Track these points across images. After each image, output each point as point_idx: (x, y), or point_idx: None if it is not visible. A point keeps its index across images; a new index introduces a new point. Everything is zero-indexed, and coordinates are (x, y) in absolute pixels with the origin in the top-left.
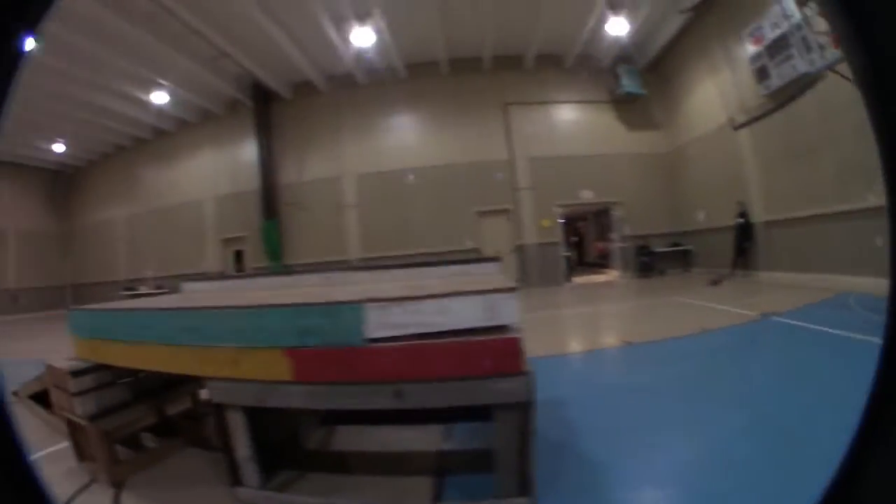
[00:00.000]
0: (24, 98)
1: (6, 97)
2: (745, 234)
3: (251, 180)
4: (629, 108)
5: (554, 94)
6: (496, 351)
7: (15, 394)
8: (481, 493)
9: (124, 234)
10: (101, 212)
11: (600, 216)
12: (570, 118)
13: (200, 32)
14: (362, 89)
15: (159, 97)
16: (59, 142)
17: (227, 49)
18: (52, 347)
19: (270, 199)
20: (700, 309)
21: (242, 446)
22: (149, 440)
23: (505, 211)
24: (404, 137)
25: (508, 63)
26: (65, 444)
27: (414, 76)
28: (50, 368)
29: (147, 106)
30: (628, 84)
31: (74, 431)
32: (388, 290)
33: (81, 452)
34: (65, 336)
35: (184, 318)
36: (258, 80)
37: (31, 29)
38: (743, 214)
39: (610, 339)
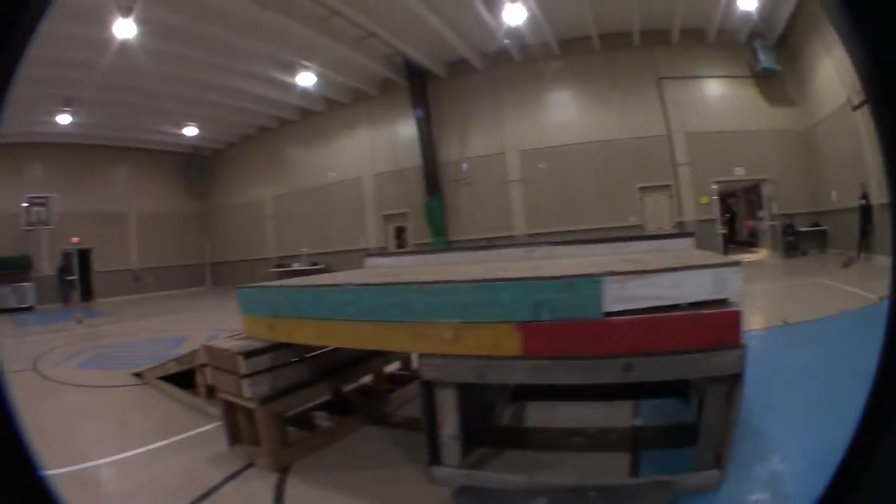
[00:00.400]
0: (157, 89)
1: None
2: (866, 216)
3: (411, 157)
4: (769, 84)
5: (702, 69)
6: (719, 324)
7: (138, 375)
8: (675, 467)
9: (273, 212)
10: (244, 193)
11: (749, 193)
12: (718, 93)
13: (342, 14)
14: (518, 66)
15: (305, 79)
16: (192, 126)
17: (372, 29)
18: (194, 324)
19: (433, 176)
20: (837, 291)
21: (449, 424)
22: (321, 420)
23: (666, 187)
24: (564, 113)
25: (657, 38)
26: (206, 428)
27: (566, 52)
28: (209, 350)
29: (292, 88)
30: (764, 59)
31: (232, 414)
32: (604, 263)
33: (236, 435)
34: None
35: (394, 293)
36: (410, 59)
37: (34, 22)
38: (864, 196)
39: (770, 318)
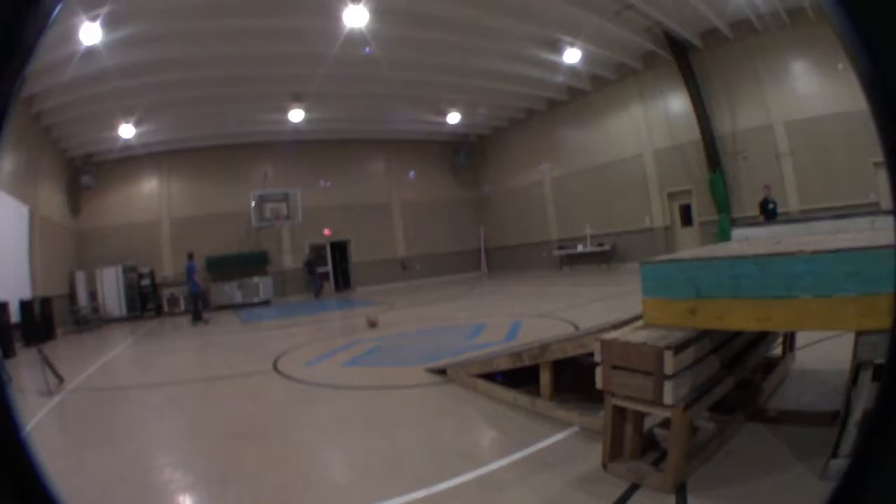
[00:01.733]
0: (411, 77)
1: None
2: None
3: (686, 132)
4: None
5: None
6: None
7: (440, 371)
8: None
9: (553, 194)
10: (518, 176)
11: None
12: None
13: None
14: (764, 36)
15: (571, 55)
16: (455, 112)
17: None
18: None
19: (713, 151)
20: None
21: (858, 409)
22: (701, 421)
23: None
24: (814, 83)
25: None
26: (555, 438)
27: (794, 22)
28: (609, 345)
29: (558, 67)
30: None
31: (620, 423)
32: None
33: (616, 450)
34: (488, 298)
35: (847, 261)
36: (668, 30)
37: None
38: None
39: None
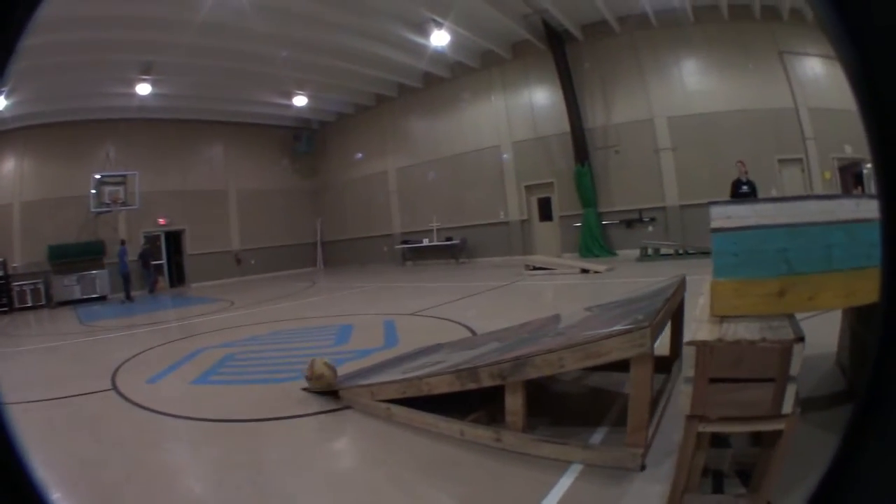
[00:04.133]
0: (260, 52)
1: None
2: None
3: (553, 124)
4: None
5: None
6: None
7: (335, 393)
8: None
9: (397, 186)
10: (361, 167)
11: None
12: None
13: None
14: (656, 32)
15: (439, 38)
16: (301, 95)
17: None
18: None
19: (581, 143)
20: None
21: None
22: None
23: (798, 160)
24: (703, 81)
25: (774, 12)
26: (562, 489)
27: (699, 21)
28: (707, 348)
29: (422, 50)
30: None
31: (697, 451)
32: None
33: (691, 482)
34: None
35: None
36: (548, 19)
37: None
38: None
39: None
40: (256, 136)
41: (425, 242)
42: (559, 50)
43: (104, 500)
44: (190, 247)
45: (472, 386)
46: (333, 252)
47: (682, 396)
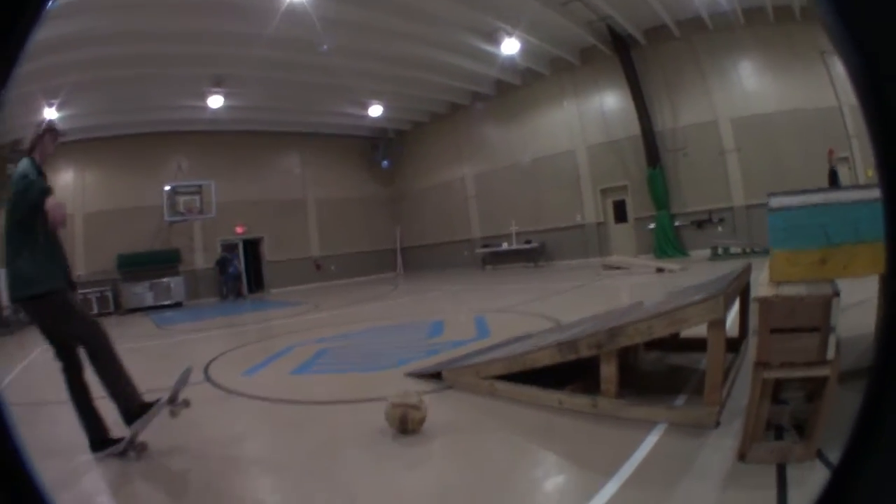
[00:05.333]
0: (334, 65)
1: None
2: None
3: (624, 128)
4: None
5: None
6: None
7: (436, 375)
8: None
9: (475, 192)
10: (438, 174)
11: None
12: None
13: None
14: (712, 34)
15: (510, 46)
16: (377, 105)
17: None
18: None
19: (651, 146)
20: None
21: None
22: None
23: (845, 159)
24: (759, 82)
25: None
26: (647, 445)
27: (749, 22)
28: (767, 304)
29: (493, 58)
30: None
31: (765, 401)
32: None
33: (756, 432)
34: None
35: None
36: (612, 25)
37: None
38: None
39: None
40: (334, 147)
41: (504, 247)
42: (625, 54)
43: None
44: (269, 254)
45: (571, 357)
46: (412, 258)
47: (750, 348)
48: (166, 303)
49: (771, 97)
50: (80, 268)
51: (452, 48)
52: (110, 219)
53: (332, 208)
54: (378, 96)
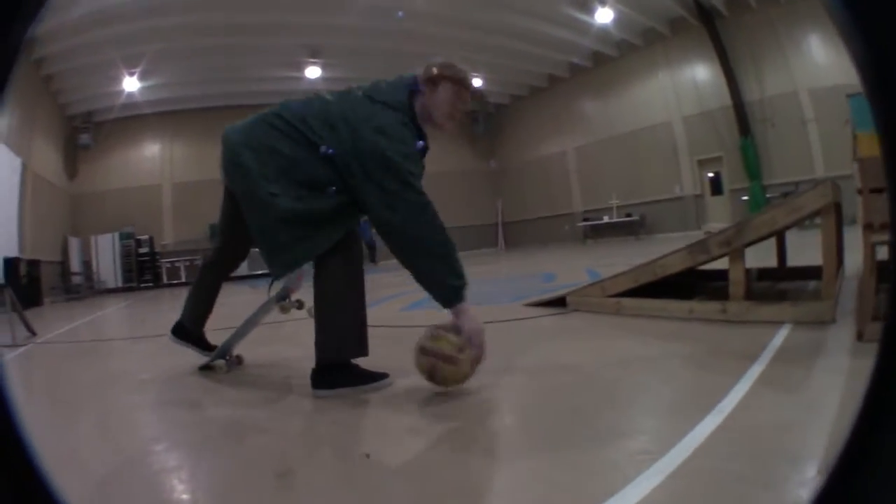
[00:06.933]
0: (435, 34)
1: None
2: None
3: (715, 98)
4: None
5: None
6: None
7: (544, 305)
8: None
9: (576, 165)
10: (538, 147)
11: None
12: None
13: None
14: (786, 6)
15: (603, 15)
16: (475, 77)
17: None
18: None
19: (742, 117)
20: None
21: None
22: None
23: None
24: (827, 53)
25: None
26: (776, 341)
27: None
28: (868, 163)
29: (588, 28)
30: None
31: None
32: None
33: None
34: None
35: None
36: None
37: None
38: None
39: None
40: None
41: (605, 220)
42: (711, 25)
43: None
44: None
45: (702, 258)
46: (513, 232)
47: (857, 210)
48: (259, 272)
49: (838, 68)
50: (165, 237)
51: (547, 17)
52: (199, 189)
53: (434, 181)
54: (475, 67)
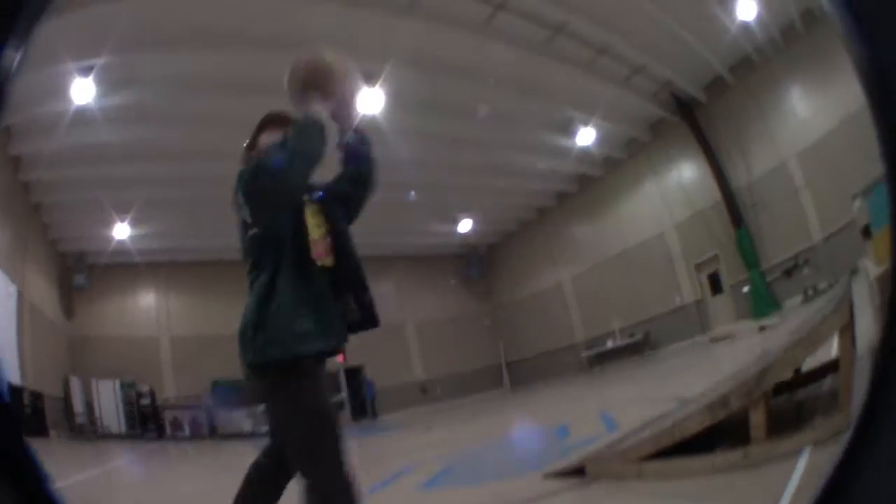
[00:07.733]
0: (418, 179)
1: None
2: None
3: (704, 195)
4: None
5: None
6: None
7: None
8: None
9: (574, 293)
10: (534, 282)
11: None
12: None
13: (608, 50)
14: (763, 69)
15: (585, 136)
16: (465, 219)
17: (639, 62)
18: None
19: (733, 207)
20: None
21: None
22: None
23: None
24: (810, 102)
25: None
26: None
27: (786, 41)
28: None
29: (571, 151)
30: None
31: None
32: None
33: None
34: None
35: None
36: (675, 90)
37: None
38: None
39: None
40: (427, 268)
41: (609, 345)
42: (691, 118)
43: None
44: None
45: (722, 414)
46: (519, 370)
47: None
48: (265, 430)
49: (828, 111)
50: (166, 390)
51: (529, 148)
52: (202, 344)
53: (432, 329)
54: (464, 209)
